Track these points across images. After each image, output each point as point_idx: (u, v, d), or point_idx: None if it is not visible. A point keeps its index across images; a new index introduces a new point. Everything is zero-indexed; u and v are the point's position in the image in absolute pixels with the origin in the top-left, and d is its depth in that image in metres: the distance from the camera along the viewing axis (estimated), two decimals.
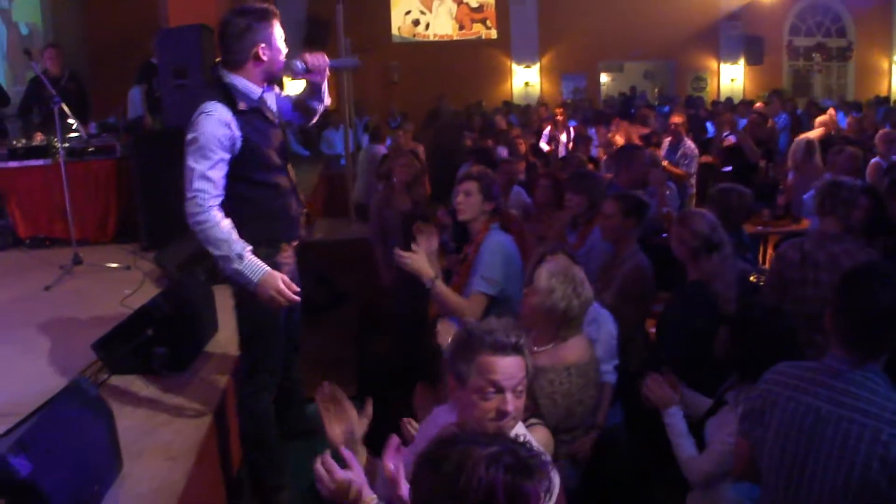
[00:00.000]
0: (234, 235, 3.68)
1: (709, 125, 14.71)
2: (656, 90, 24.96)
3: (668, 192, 7.57)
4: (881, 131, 9.46)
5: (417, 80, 22.09)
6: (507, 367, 2.49)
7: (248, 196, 3.90)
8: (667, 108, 17.41)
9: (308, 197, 8.34)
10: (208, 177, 3.68)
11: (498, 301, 4.30)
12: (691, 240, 4.28)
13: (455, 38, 24.08)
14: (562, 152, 12.06)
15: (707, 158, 11.28)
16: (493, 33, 24.18)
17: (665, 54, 24.43)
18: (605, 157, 10.24)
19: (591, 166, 9.18)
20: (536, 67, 24.15)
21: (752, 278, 5.22)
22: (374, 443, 2.53)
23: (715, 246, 4.25)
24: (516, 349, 2.52)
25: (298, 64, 3.95)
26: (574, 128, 13.36)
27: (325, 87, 4.17)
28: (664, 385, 3.67)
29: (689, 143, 10.07)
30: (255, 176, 3.92)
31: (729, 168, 10.30)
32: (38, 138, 8.46)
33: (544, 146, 13.03)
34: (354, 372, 6.50)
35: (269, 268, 3.72)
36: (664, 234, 6.15)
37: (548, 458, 1.91)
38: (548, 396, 3.41)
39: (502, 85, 24.14)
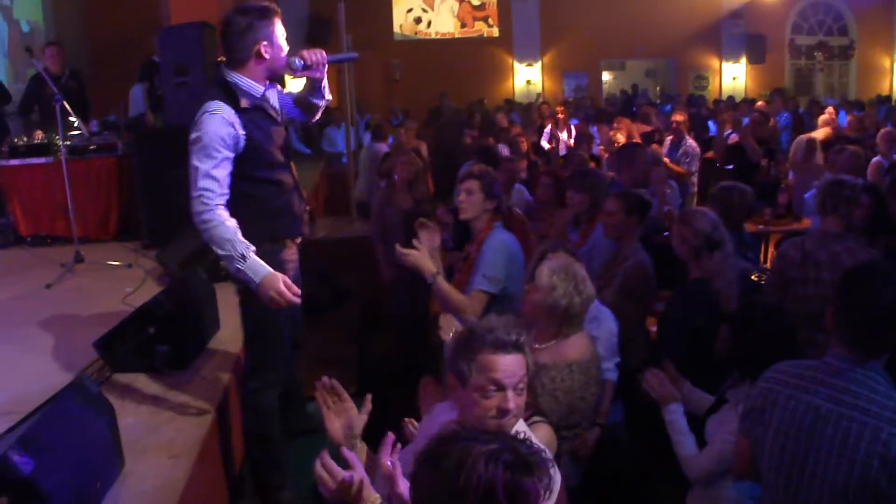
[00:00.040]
0: (239, 235, 3.70)
1: (710, 124, 14.70)
2: (658, 88, 24.95)
3: (669, 191, 7.57)
4: (883, 130, 9.44)
5: (419, 78, 22.08)
6: (508, 366, 2.50)
7: (252, 193, 3.92)
8: (668, 107, 17.40)
9: (309, 195, 8.34)
10: (213, 176, 3.70)
11: (499, 299, 4.31)
12: (693, 238, 4.28)
13: (457, 35, 24.08)
14: (562, 150, 12.06)
15: (708, 154, 11.27)
16: (495, 31, 24.18)
17: (667, 53, 24.42)
18: (606, 156, 10.24)
19: (592, 165, 9.18)
20: (538, 65, 24.15)
21: (753, 277, 5.23)
22: (375, 441, 2.52)
23: (716, 244, 4.25)
24: (517, 347, 2.52)
25: (297, 61, 3.96)
26: (575, 126, 13.36)
27: (325, 83, 4.19)
28: (665, 381, 3.68)
29: (691, 142, 10.07)
30: (259, 173, 3.94)
31: (730, 167, 10.29)
32: (38, 136, 8.46)
33: (545, 144, 13.02)
34: (355, 370, 6.51)
35: (270, 269, 3.73)
36: (665, 233, 6.15)
37: (549, 455, 1.92)
38: (549, 393, 3.42)
39: (504, 83, 24.14)
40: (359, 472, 2.28)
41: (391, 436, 2.35)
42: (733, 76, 24.82)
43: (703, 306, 4.15)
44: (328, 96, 4.29)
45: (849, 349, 2.62)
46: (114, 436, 3.40)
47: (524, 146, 10.40)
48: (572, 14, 22.73)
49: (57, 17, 14.99)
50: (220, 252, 3.73)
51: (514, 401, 2.48)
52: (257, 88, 3.89)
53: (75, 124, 8.17)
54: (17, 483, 2.67)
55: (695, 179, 9.85)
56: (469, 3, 24.00)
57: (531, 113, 17.45)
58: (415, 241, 4.26)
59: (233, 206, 3.77)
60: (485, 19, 24.10)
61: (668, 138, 10.30)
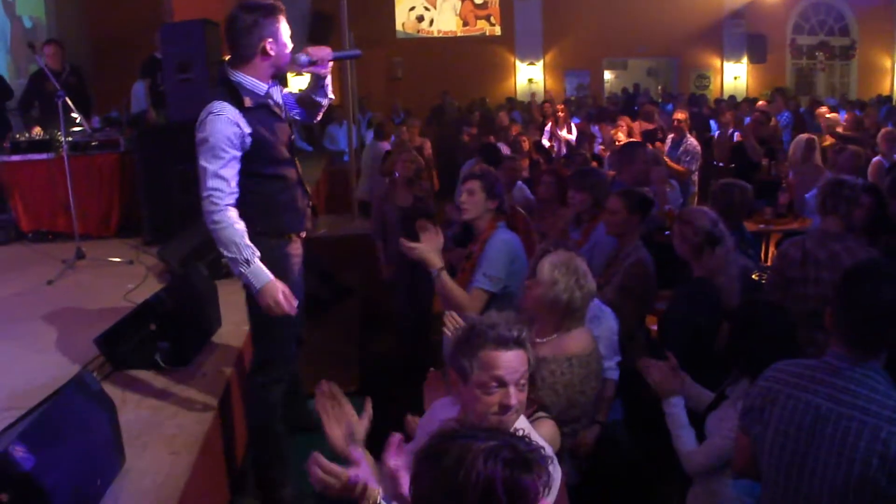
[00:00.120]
0: (246, 239, 3.74)
1: (712, 123, 14.70)
2: (660, 88, 24.95)
3: (669, 190, 7.57)
4: (883, 130, 9.44)
5: (421, 76, 22.11)
6: (510, 362, 2.50)
7: (258, 189, 3.95)
8: (670, 106, 17.41)
9: (312, 191, 8.37)
10: (221, 175, 3.73)
11: (500, 297, 4.32)
12: (693, 236, 4.29)
13: (459, 34, 24.10)
14: (562, 149, 12.08)
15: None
16: (497, 30, 24.20)
17: (669, 52, 24.44)
18: (608, 154, 10.26)
19: (594, 164, 9.19)
20: (540, 64, 24.17)
21: (753, 276, 5.23)
22: (376, 440, 2.53)
23: (717, 240, 4.26)
24: (518, 343, 2.53)
25: (303, 57, 3.99)
26: (577, 125, 13.37)
27: (328, 81, 4.22)
28: (667, 372, 3.69)
29: (692, 140, 10.09)
30: (265, 170, 3.97)
31: (732, 166, 10.29)
32: (37, 132, 8.47)
33: (546, 143, 13.03)
34: (356, 368, 6.51)
35: (272, 276, 3.79)
36: (667, 232, 6.16)
37: (549, 452, 1.92)
38: (549, 387, 3.42)
39: (506, 81, 24.15)
40: (362, 469, 2.29)
41: (397, 436, 2.35)
42: (735, 75, 24.85)
43: (705, 305, 4.16)
44: (331, 95, 4.32)
45: (848, 348, 2.62)
46: (115, 432, 3.41)
47: (526, 145, 10.41)
48: (574, 13, 22.77)
49: (59, 13, 14.97)
50: (225, 253, 3.77)
51: (515, 397, 2.49)
52: (261, 86, 3.91)
53: (77, 120, 8.17)
54: (18, 479, 2.67)
55: (695, 178, 9.86)
56: (471, 1, 24.02)
57: (531, 112, 17.48)
58: (422, 234, 4.27)
59: (240, 202, 3.81)
60: (487, 18, 24.11)
61: (670, 137, 10.31)
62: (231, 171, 3.77)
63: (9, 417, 3.59)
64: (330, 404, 2.69)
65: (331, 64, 4.12)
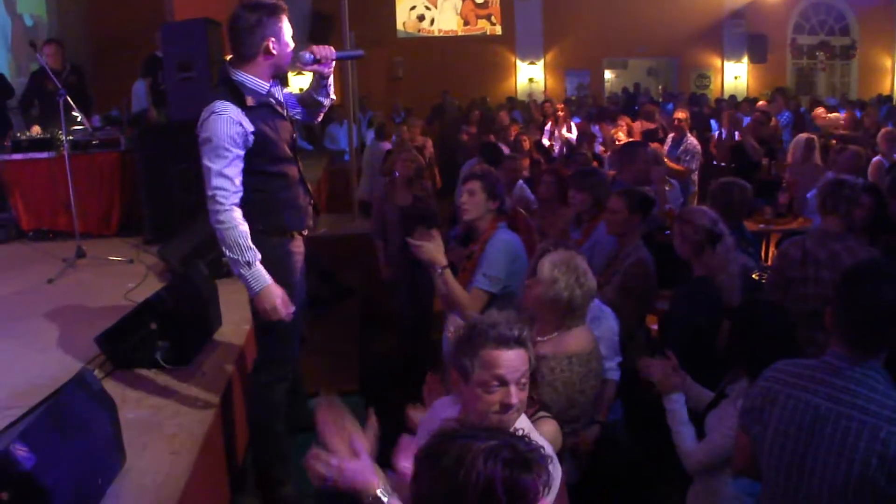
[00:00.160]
0: (249, 242, 3.77)
1: (713, 122, 14.71)
2: (660, 87, 24.94)
3: (669, 189, 7.57)
4: (883, 130, 9.44)
5: (422, 75, 22.11)
6: (511, 361, 2.50)
7: (261, 187, 3.97)
8: (670, 106, 17.41)
9: (313, 190, 8.38)
10: (225, 174, 3.75)
11: (500, 298, 4.32)
12: (694, 235, 4.30)
13: (460, 33, 24.10)
14: (562, 149, 12.09)
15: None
16: (498, 29, 24.19)
17: (669, 51, 24.43)
18: (608, 154, 10.26)
19: (594, 163, 9.19)
20: (541, 64, 24.16)
21: (754, 276, 5.24)
22: (376, 440, 2.52)
23: (718, 237, 4.28)
24: (519, 342, 2.53)
25: (307, 55, 4.01)
26: (577, 125, 13.38)
27: (330, 81, 4.24)
28: (668, 370, 3.70)
29: (692, 140, 10.10)
30: (268, 168, 3.99)
31: (732, 165, 10.29)
32: (35, 131, 8.47)
33: (546, 142, 13.04)
34: (356, 368, 6.52)
35: (271, 281, 3.83)
36: (667, 231, 6.16)
37: (549, 451, 1.92)
38: (549, 384, 3.42)
39: (506, 81, 24.15)
40: (363, 463, 2.29)
41: (406, 440, 2.35)
42: (735, 75, 24.84)
43: (706, 305, 4.17)
44: (332, 95, 4.33)
45: (848, 348, 2.62)
46: (115, 431, 3.41)
47: (526, 144, 10.42)
48: (575, 13, 22.76)
49: (60, 12, 14.98)
50: (227, 253, 3.80)
51: (516, 396, 2.49)
52: (263, 85, 3.93)
53: (78, 119, 8.18)
54: (19, 478, 2.67)
55: (695, 178, 9.87)
56: (472, 1, 24.01)
57: (531, 111, 17.47)
58: (431, 232, 4.27)
59: (243, 200, 3.83)
60: (488, 17, 24.11)
61: (670, 136, 10.32)
62: (235, 170, 3.79)
63: (9, 416, 3.59)
64: (332, 422, 2.52)
65: (333, 63, 4.13)
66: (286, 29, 3.92)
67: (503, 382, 2.48)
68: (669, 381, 3.67)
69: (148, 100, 10.17)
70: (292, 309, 3.90)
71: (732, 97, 20.90)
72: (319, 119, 4.61)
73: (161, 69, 8.75)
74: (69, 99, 7.15)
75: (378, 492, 2.24)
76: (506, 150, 9.40)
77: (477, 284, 4.34)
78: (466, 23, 24.12)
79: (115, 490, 3.25)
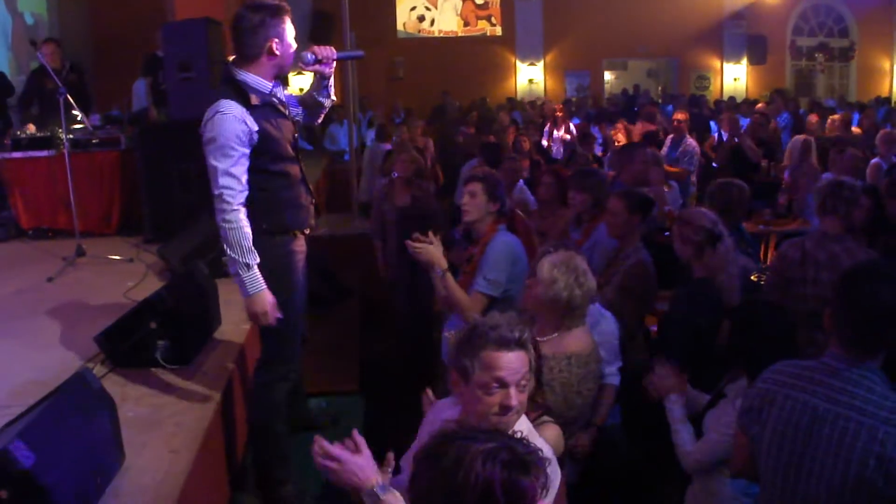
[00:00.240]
0: (251, 244, 3.80)
1: (712, 124, 14.72)
2: (660, 88, 24.98)
3: (668, 190, 7.58)
4: (882, 132, 9.47)
5: (422, 76, 22.13)
6: (511, 363, 2.51)
7: (264, 186, 3.98)
8: (670, 107, 17.43)
9: (314, 189, 8.39)
10: (232, 173, 3.77)
11: (501, 301, 4.32)
12: (694, 235, 4.30)
13: (460, 34, 24.13)
14: (559, 149, 12.11)
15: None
16: (498, 30, 24.22)
17: (669, 53, 24.48)
18: (607, 155, 10.27)
19: (594, 165, 9.20)
20: (540, 64, 24.19)
21: (752, 277, 5.24)
22: (376, 440, 2.53)
23: (718, 237, 4.28)
24: (519, 344, 2.53)
25: (308, 55, 4.03)
26: (577, 126, 13.39)
27: (331, 81, 4.26)
28: (670, 373, 3.71)
29: (691, 141, 10.11)
30: (271, 166, 4.00)
31: (731, 167, 10.31)
32: (31, 129, 8.46)
33: (545, 143, 13.06)
34: (356, 368, 6.52)
35: (265, 286, 3.85)
36: (667, 233, 6.17)
37: (548, 454, 1.93)
38: (547, 385, 3.42)
39: (506, 82, 24.17)
40: (364, 459, 2.30)
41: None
42: (734, 77, 24.88)
43: (706, 306, 4.17)
44: (333, 96, 4.35)
45: (846, 349, 2.63)
46: (114, 430, 3.41)
47: (526, 145, 10.43)
48: (575, 14, 22.79)
49: (61, 10, 14.99)
50: (228, 251, 3.81)
51: (516, 398, 2.49)
52: (266, 85, 3.94)
53: (78, 118, 8.18)
54: (18, 476, 2.66)
55: (694, 179, 9.88)
56: (472, 1, 24.04)
57: (531, 112, 17.49)
58: (430, 235, 4.28)
59: (246, 199, 3.85)
60: (488, 18, 24.13)
61: (669, 137, 10.33)
62: (241, 169, 3.81)
63: (8, 415, 3.58)
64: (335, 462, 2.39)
65: (334, 63, 4.15)
66: (289, 29, 3.93)
67: (503, 384, 2.49)
68: (672, 384, 3.69)
69: (148, 99, 10.18)
70: (280, 316, 3.93)
71: (732, 98, 20.92)
72: (320, 120, 4.62)
73: (161, 68, 8.75)
74: (69, 97, 7.15)
75: (375, 487, 2.26)
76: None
77: (477, 288, 4.35)
78: (466, 23, 24.14)
79: (114, 489, 3.24)
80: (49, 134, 8.27)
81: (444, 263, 4.25)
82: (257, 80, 3.90)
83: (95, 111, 9.85)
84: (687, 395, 3.75)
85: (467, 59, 22.88)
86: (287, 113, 4.15)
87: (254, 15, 3.84)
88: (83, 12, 15.84)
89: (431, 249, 4.22)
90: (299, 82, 17.13)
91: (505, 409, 2.49)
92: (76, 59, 10.23)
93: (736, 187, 5.47)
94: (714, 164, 10.91)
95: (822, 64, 25.61)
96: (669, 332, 4.52)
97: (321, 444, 2.33)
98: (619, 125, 11.23)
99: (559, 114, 13.82)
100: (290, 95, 4.32)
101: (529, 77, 24.11)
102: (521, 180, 7.86)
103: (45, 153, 8.24)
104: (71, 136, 7.87)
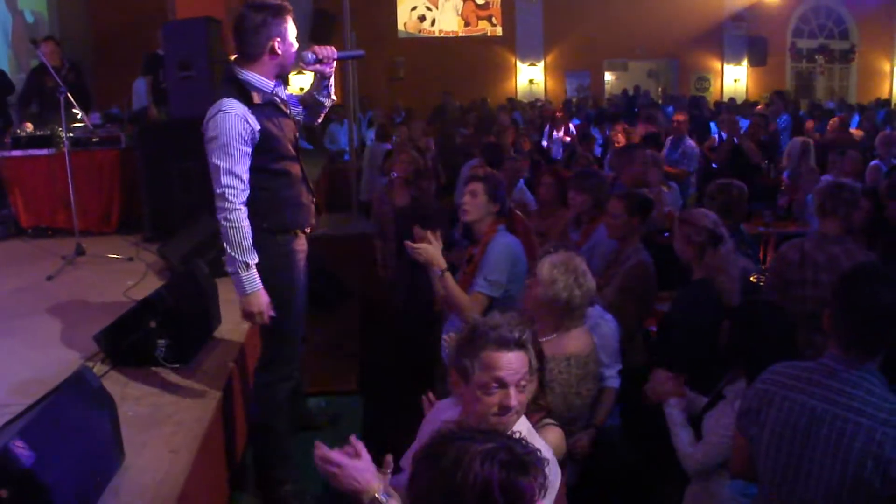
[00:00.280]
0: (251, 243, 3.82)
1: (712, 125, 14.72)
2: (660, 89, 24.99)
3: (667, 190, 7.59)
4: (881, 134, 9.47)
5: (422, 76, 22.14)
6: (511, 363, 2.51)
7: (266, 185, 3.99)
8: (670, 109, 17.42)
9: (314, 188, 8.39)
10: (234, 172, 3.78)
11: (501, 301, 4.32)
12: (696, 235, 4.29)
13: (460, 34, 24.14)
14: (558, 151, 12.11)
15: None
16: (499, 30, 24.24)
17: (669, 54, 24.50)
18: (607, 156, 10.27)
19: (594, 166, 9.20)
20: (541, 65, 24.21)
21: (752, 279, 5.24)
22: (376, 440, 2.54)
23: (719, 238, 4.28)
24: (519, 344, 2.54)
25: (309, 55, 4.05)
26: (577, 126, 13.39)
27: (331, 81, 4.27)
28: (669, 379, 3.72)
29: (690, 142, 10.11)
30: (271, 165, 4.01)
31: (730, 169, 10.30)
32: (29, 128, 8.46)
33: (545, 143, 13.06)
34: (356, 368, 6.52)
35: (261, 286, 3.86)
36: (666, 234, 6.17)
37: (547, 454, 1.93)
38: (546, 384, 3.43)
39: (507, 82, 24.19)
40: (363, 464, 2.30)
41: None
42: (735, 78, 24.90)
43: (706, 307, 4.17)
44: (333, 96, 4.36)
45: (845, 351, 2.63)
46: (114, 429, 3.41)
47: (526, 146, 10.43)
48: (575, 14, 22.81)
49: (61, 9, 14.98)
50: (228, 250, 3.82)
51: (515, 398, 2.50)
52: (268, 84, 3.96)
53: (79, 116, 8.18)
54: (19, 475, 2.66)
55: (693, 180, 9.88)
56: (473, 1, 24.06)
57: (531, 112, 17.49)
58: (429, 234, 4.28)
59: (248, 198, 3.85)
60: (488, 18, 24.14)
61: (669, 138, 10.33)
62: (243, 168, 3.81)
63: (8, 414, 3.58)
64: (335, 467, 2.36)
65: (335, 63, 4.15)
66: (291, 29, 3.95)
67: (502, 384, 2.49)
68: (671, 389, 3.69)
69: (148, 98, 10.17)
70: (272, 315, 3.94)
71: (732, 100, 20.93)
72: (320, 120, 4.63)
73: (162, 67, 8.75)
74: (69, 96, 7.15)
75: (377, 494, 2.25)
76: None
77: (478, 288, 4.35)
78: (467, 23, 24.16)
79: (114, 488, 3.24)
80: (49, 132, 8.25)
81: (443, 263, 4.25)
82: (259, 79, 3.91)
83: (95, 110, 9.82)
84: (686, 397, 3.75)
85: (468, 59, 22.90)
86: (288, 112, 4.16)
87: (256, 14, 3.85)
88: (83, 10, 15.84)
89: (430, 249, 4.22)
90: (300, 82, 17.13)
91: (504, 409, 2.49)
92: (76, 58, 10.24)
93: (735, 188, 5.47)
94: (714, 166, 10.91)
95: (822, 66, 25.64)
96: (670, 333, 4.52)
97: (321, 449, 2.32)
98: (619, 127, 11.24)
99: (559, 115, 13.82)
100: (291, 95, 4.33)
101: (530, 77, 24.12)
102: (522, 180, 7.86)
103: (44, 152, 8.22)
104: (71, 134, 7.86)
